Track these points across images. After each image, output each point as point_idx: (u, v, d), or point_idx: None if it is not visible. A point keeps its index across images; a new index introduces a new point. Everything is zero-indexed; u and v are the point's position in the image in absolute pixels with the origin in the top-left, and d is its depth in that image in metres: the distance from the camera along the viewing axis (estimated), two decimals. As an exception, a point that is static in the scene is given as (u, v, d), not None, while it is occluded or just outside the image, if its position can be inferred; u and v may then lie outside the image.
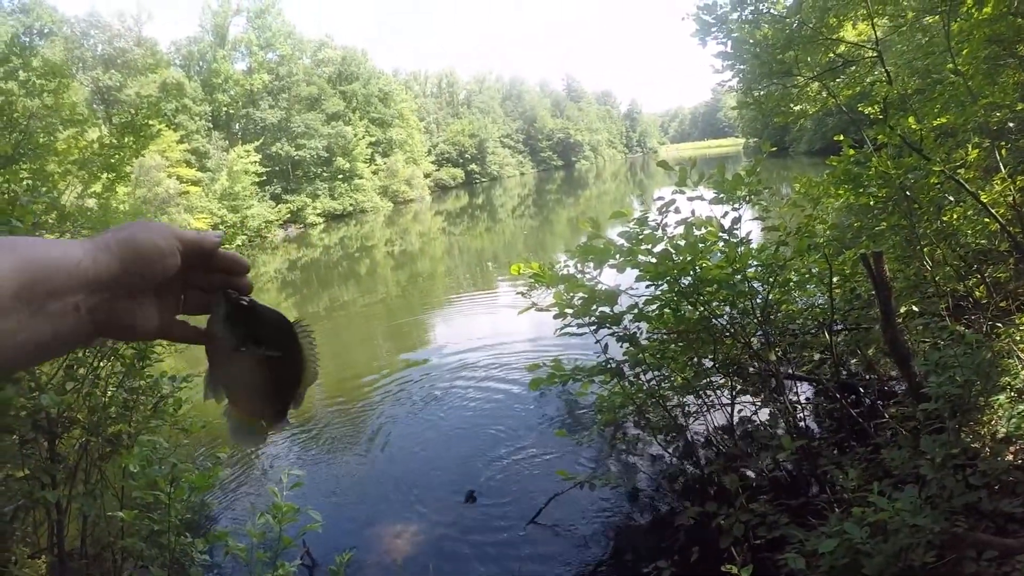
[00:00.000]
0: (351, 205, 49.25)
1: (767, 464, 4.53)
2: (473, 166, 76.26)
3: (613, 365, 4.38)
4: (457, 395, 8.31)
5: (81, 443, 4.79)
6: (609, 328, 4.33)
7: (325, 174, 49.04)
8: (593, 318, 4.24)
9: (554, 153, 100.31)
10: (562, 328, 4.41)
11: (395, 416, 7.91)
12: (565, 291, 4.23)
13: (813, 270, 4.72)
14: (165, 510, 3.58)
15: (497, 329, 11.33)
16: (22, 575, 2.87)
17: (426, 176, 62.99)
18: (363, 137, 53.82)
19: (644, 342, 4.46)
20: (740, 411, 5.08)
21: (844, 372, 5.55)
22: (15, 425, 4.39)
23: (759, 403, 5.20)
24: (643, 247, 4.03)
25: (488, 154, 79.67)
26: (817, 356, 5.54)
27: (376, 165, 55.79)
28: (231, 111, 48.74)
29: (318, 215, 45.70)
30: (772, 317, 4.82)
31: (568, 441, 5.91)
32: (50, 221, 5.11)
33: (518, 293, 4.78)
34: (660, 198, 4.32)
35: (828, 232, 4.71)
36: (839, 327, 5.36)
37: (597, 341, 4.37)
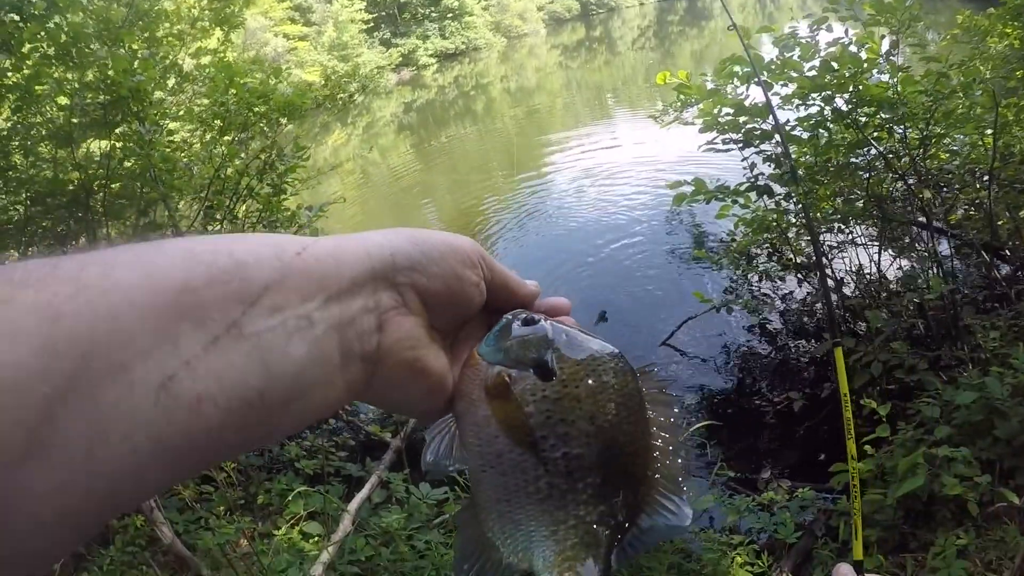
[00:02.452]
0: (463, 43, 47.90)
1: (909, 306, 4.25)
2: (589, -6, 71.58)
3: (762, 183, 4.10)
4: (582, 221, 8.33)
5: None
6: (756, 146, 4.02)
7: (433, 14, 47.57)
8: (739, 134, 3.94)
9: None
10: (706, 145, 4.15)
11: (521, 238, 8.06)
12: (711, 104, 3.93)
13: (972, 111, 4.13)
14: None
15: (619, 159, 11.00)
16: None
17: (539, 9, 59.85)
18: (470, -29, 51.23)
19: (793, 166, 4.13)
20: (881, 252, 4.75)
21: (988, 232, 5.04)
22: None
23: (901, 249, 4.84)
24: (797, 59, 3.64)
25: (605, -19, 74.21)
26: (961, 211, 5.01)
27: (486, 1, 53.43)
28: (329, -40, 47.36)
29: (430, 56, 44.89)
30: (929, 152, 4.31)
31: (696, 271, 5.83)
32: (170, 84, 5.17)
33: (656, 111, 4.50)
34: (792, 28, 3.89)
35: (992, 71, 4.08)
36: (993, 181, 4.77)
37: (744, 159, 4.10)
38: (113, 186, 4.61)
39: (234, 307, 0.35)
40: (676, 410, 0.45)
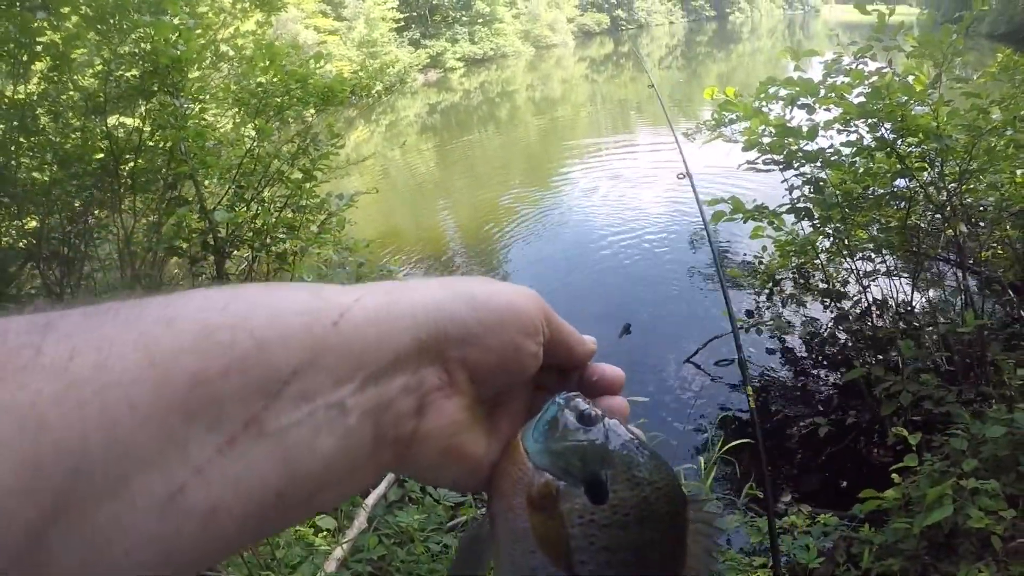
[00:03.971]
0: (491, 49, 48.16)
1: (934, 338, 4.21)
2: (619, 11, 71.80)
3: (802, 205, 4.09)
4: (605, 231, 8.33)
5: (248, 261, 5.13)
6: (797, 168, 4.01)
7: (464, 18, 47.85)
8: (782, 155, 3.93)
9: (706, 2, 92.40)
10: (746, 164, 4.14)
11: (542, 249, 8.05)
12: (756, 123, 3.92)
13: (1011, 147, 4.11)
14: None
15: (642, 177, 10.99)
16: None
17: (569, 21, 60.17)
18: (504, -21, 51.54)
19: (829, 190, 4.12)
20: (913, 286, 4.73)
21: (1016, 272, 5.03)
22: (184, 247, 4.74)
23: (928, 282, 4.82)
24: (844, 83, 3.63)
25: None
26: (989, 250, 5.00)
27: (517, 9, 53.69)
28: (367, -43, 47.75)
29: (458, 59, 45.13)
30: (967, 188, 4.29)
31: (720, 293, 5.81)
32: (207, 61, 5.17)
33: (693, 130, 4.49)
34: (824, 61, 3.94)
35: None
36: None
37: (784, 180, 4.09)
38: (139, 160, 4.60)
39: (255, 400, 0.29)
40: (716, 542, 0.43)
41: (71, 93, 4.44)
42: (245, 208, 4.82)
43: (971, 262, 4.48)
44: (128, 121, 4.71)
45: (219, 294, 0.31)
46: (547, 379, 0.44)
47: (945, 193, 4.11)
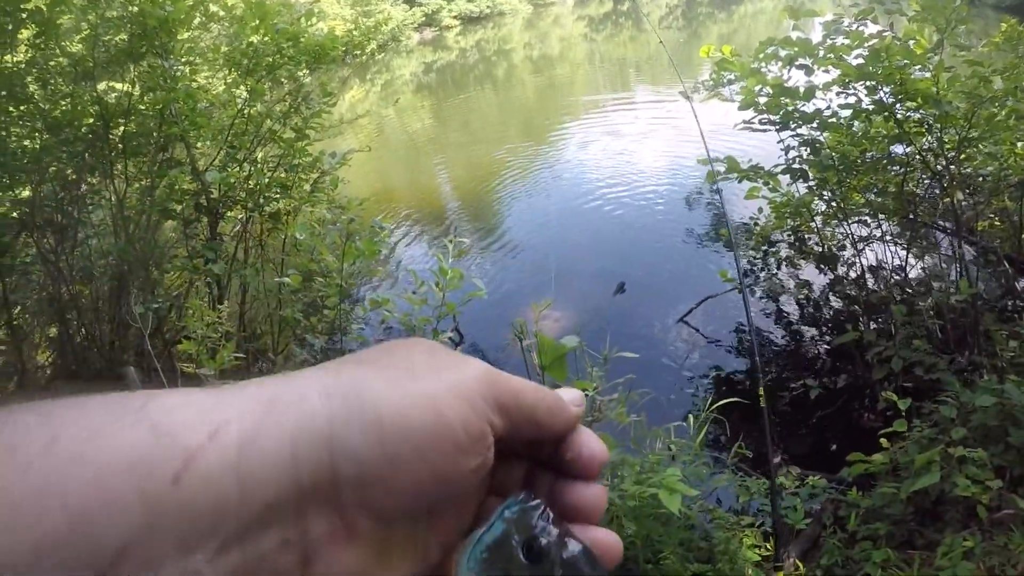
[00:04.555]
0: (488, 7, 47.16)
1: (929, 307, 4.22)
2: (619, -32, 70.49)
3: (797, 166, 4.06)
4: (601, 190, 8.30)
5: (242, 221, 5.11)
6: (793, 129, 3.97)
7: (461, -26, 46.87)
8: (778, 115, 3.88)
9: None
10: (742, 124, 4.10)
11: (536, 204, 8.02)
12: (753, 82, 3.87)
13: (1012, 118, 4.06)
14: (330, 278, 3.74)
15: (640, 136, 10.90)
16: (204, 326, 3.12)
17: (567, -23, 59.01)
18: (501, -67, 50.37)
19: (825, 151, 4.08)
20: (907, 251, 4.72)
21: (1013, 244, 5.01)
22: (179, 209, 4.71)
23: (923, 249, 4.82)
24: (843, 44, 3.58)
25: (636, -45, 72.97)
26: (986, 221, 4.96)
27: (515, -36, 52.60)
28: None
29: (453, 17, 44.27)
30: (964, 155, 4.24)
31: (715, 251, 5.82)
32: (195, 22, 5.06)
33: (691, 88, 4.43)
34: (824, 22, 3.88)
35: None
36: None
37: (780, 141, 4.05)
38: (130, 124, 4.54)
39: None
40: None
41: (59, 59, 4.36)
42: (238, 169, 4.78)
43: (967, 232, 4.46)
44: (118, 85, 4.64)
45: (31, 439, 0.25)
46: (516, 448, 0.36)
47: (943, 161, 4.07)
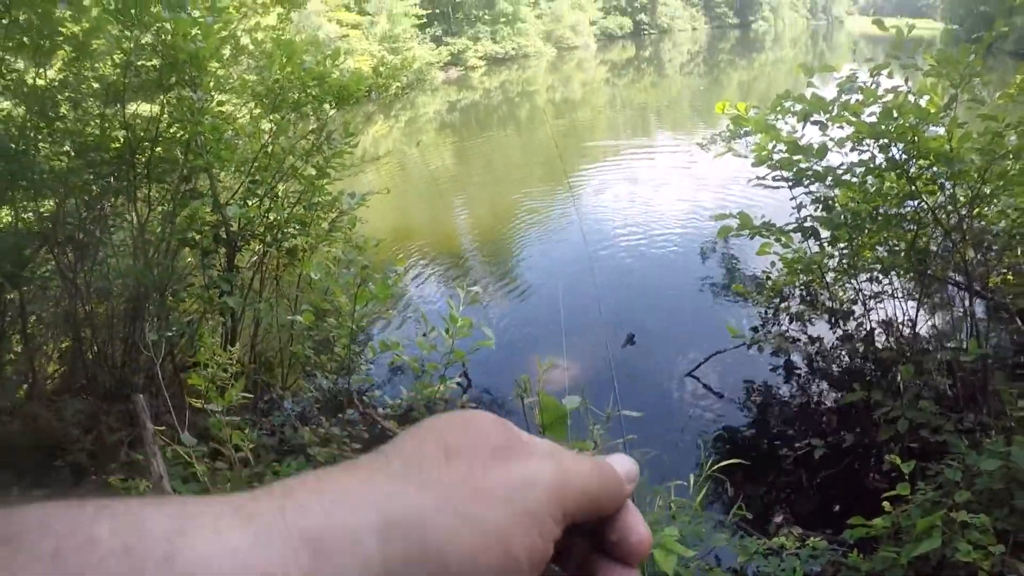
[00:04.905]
0: (513, 49, 48.09)
1: (939, 365, 4.19)
2: (642, 16, 71.46)
3: (809, 224, 4.08)
4: (616, 239, 8.33)
5: (259, 255, 5.19)
6: (806, 186, 4.01)
7: (487, 17, 47.84)
8: (791, 172, 3.93)
9: (730, 10, 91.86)
10: (755, 180, 4.15)
11: (550, 249, 8.07)
12: (766, 139, 3.91)
13: None
14: (342, 318, 3.78)
15: (657, 182, 10.99)
16: (213, 363, 3.16)
17: (591, 23, 59.98)
18: (529, -22, 51.55)
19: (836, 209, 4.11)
20: (919, 308, 4.70)
21: None
22: (198, 239, 4.80)
23: (935, 305, 4.79)
24: (857, 101, 3.63)
25: (659, 4, 74.12)
26: (999, 276, 4.94)
27: (540, 10, 53.63)
28: (393, -47, 47.88)
29: (479, 58, 45.11)
30: (977, 212, 4.25)
31: (726, 305, 5.80)
32: (225, 55, 5.23)
33: (708, 140, 4.49)
34: (839, 78, 3.90)
35: None
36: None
37: (793, 198, 4.10)
38: (157, 149, 4.65)
39: None
40: None
41: (91, 82, 4.50)
42: (258, 203, 4.87)
43: (979, 287, 4.44)
44: (145, 109, 4.76)
45: None
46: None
47: (955, 216, 4.08)
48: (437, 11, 45.72)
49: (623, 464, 0.36)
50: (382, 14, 39.08)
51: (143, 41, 4.26)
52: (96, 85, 4.50)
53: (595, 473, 0.33)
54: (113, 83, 4.40)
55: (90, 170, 4.55)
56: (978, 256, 4.53)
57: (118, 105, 4.46)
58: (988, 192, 4.08)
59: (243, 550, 0.23)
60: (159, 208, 4.84)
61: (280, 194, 5.01)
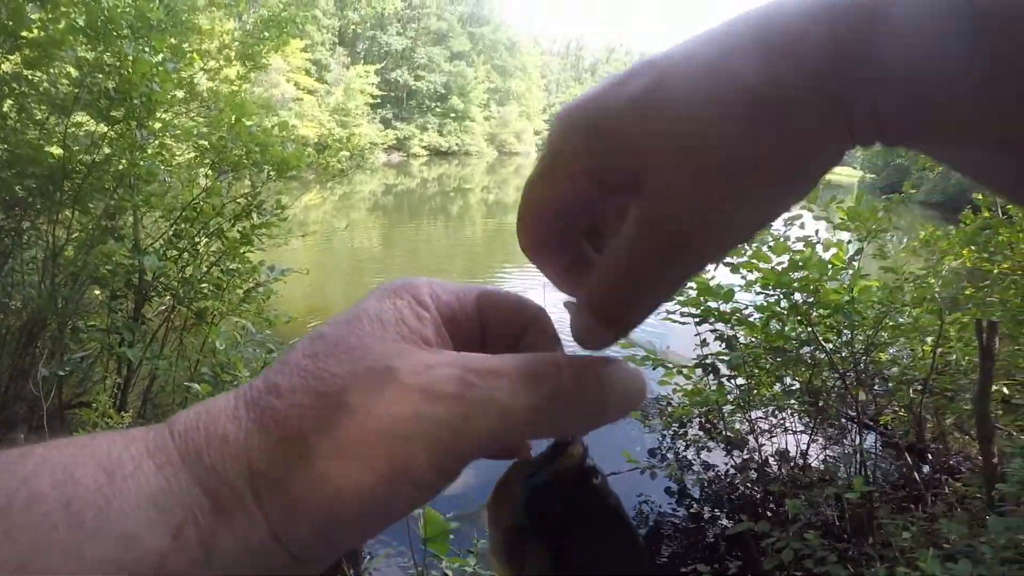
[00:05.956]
0: (457, 145, 49.61)
1: (827, 500, 4.38)
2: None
3: (711, 361, 4.28)
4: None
5: (168, 309, 5.01)
6: (712, 324, 4.23)
7: (438, 109, 49.49)
8: (699, 311, 4.14)
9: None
10: (663, 313, 4.33)
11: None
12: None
13: (918, 321, 4.49)
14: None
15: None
16: (103, 423, 2.99)
17: (536, 133, 62.74)
18: (482, 81, 53.95)
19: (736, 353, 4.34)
20: (811, 441, 4.93)
21: (915, 434, 5.34)
22: (108, 279, 4.60)
23: (828, 439, 5.05)
24: (766, 251, 3.91)
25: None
26: (893, 411, 5.31)
27: (489, 112, 55.86)
28: (358, 31, 49.63)
29: (423, 147, 46.26)
30: (870, 358, 4.60)
31: (623, 427, 5.88)
32: (179, 96, 5.22)
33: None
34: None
35: (943, 289, 4.46)
36: (927, 388, 5.10)
37: (697, 334, 4.29)
38: (89, 179, 4.47)
39: None
40: None
41: (43, 84, 4.35)
42: (177, 255, 4.75)
43: (871, 424, 4.73)
44: (87, 122, 4.59)
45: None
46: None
47: (851, 360, 4.37)
48: (392, 94, 46.99)
49: (614, 374, 0.31)
50: (340, 86, 39.84)
51: (104, 60, 4.17)
52: (47, 87, 4.35)
53: (522, 394, 0.28)
54: (67, 95, 4.27)
55: (19, 182, 4.31)
56: (870, 396, 4.84)
57: (63, 118, 4.32)
58: (882, 341, 4.43)
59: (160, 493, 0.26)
60: (77, 235, 4.63)
61: (201, 250, 4.90)
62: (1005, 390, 4.87)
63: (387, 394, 0.27)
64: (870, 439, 4.74)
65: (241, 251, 4.77)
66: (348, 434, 0.27)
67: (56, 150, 4.33)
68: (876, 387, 4.99)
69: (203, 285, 4.73)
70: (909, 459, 4.54)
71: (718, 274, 4.16)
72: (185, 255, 4.76)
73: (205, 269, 4.79)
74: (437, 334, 0.32)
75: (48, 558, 0.23)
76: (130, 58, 3.99)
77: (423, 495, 0.28)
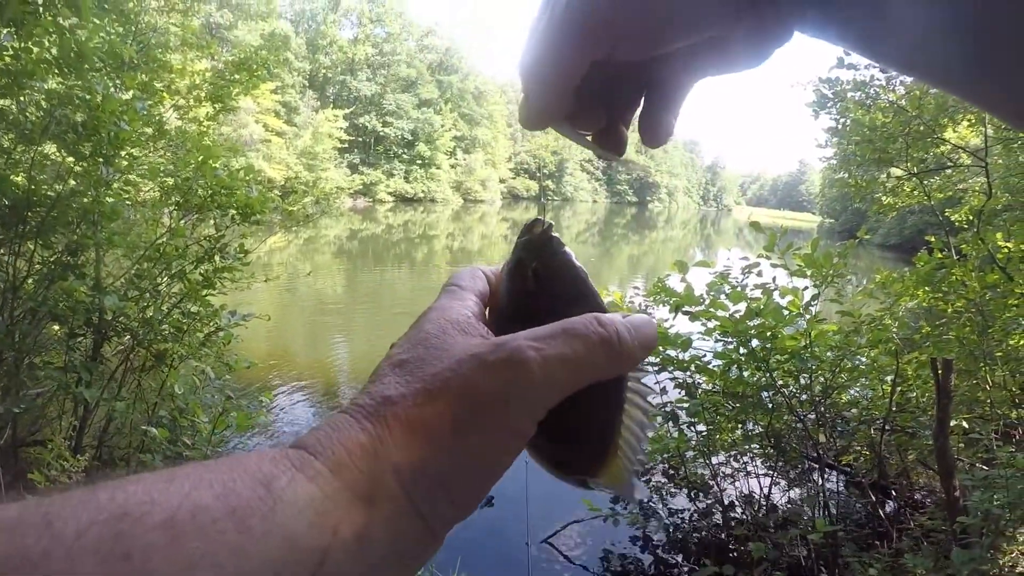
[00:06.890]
0: (423, 192, 49.89)
1: (791, 541, 4.40)
2: (549, 182, 76.63)
3: (670, 409, 4.32)
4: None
5: (126, 350, 4.90)
6: (671, 372, 4.29)
7: (405, 156, 49.87)
8: (658, 359, 4.20)
9: (630, 189, 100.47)
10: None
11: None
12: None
13: (876, 363, 4.61)
14: (198, 438, 3.60)
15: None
16: (58, 465, 2.90)
17: (501, 181, 63.49)
18: (449, 129, 54.63)
19: (699, 394, 4.39)
20: (773, 484, 4.98)
21: (877, 472, 5.43)
22: (68, 316, 4.49)
23: (791, 480, 5.10)
24: (724, 300, 4.00)
25: (566, 174, 79.89)
26: (856, 450, 5.40)
27: (456, 160, 56.45)
28: (328, 75, 50.18)
29: (389, 193, 46.41)
30: (829, 400, 4.69)
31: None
32: (148, 132, 5.20)
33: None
34: (715, 273, 4.30)
35: (898, 330, 4.60)
36: (887, 427, 5.22)
37: (657, 382, 4.33)
38: (53, 213, 4.39)
39: None
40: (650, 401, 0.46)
41: (13, 112, 4.29)
42: (138, 295, 4.67)
43: (833, 464, 4.79)
44: (56, 156, 4.51)
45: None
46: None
47: (810, 404, 4.45)
48: (360, 139, 47.28)
49: (630, 324, 0.40)
50: (308, 129, 39.93)
51: (76, 93, 4.14)
52: (16, 114, 4.29)
53: (560, 356, 0.36)
54: (32, 126, 4.21)
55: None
56: (831, 438, 4.92)
57: (30, 148, 4.25)
58: (840, 383, 4.53)
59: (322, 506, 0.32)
60: (38, 268, 4.52)
61: (163, 291, 4.83)
62: (964, 424, 5.00)
63: (481, 375, 0.35)
64: (833, 479, 4.80)
65: (203, 294, 4.72)
66: (462, 415, 0.34)
67: (21, 179, 4.27)
68: (838, 428, 5.08)
69: (163, 327, 4.66)
70: (873, 496, 4.60)
71: (677, 323, 4.24)
72: (146, 295, 4.69)
73: (166, 311, 4.72)
74: (482, 314, 0.43)
75: (216, 557, 0.27)
76: (100, 96, 3.98)
77: (524, 444, 0.37)
